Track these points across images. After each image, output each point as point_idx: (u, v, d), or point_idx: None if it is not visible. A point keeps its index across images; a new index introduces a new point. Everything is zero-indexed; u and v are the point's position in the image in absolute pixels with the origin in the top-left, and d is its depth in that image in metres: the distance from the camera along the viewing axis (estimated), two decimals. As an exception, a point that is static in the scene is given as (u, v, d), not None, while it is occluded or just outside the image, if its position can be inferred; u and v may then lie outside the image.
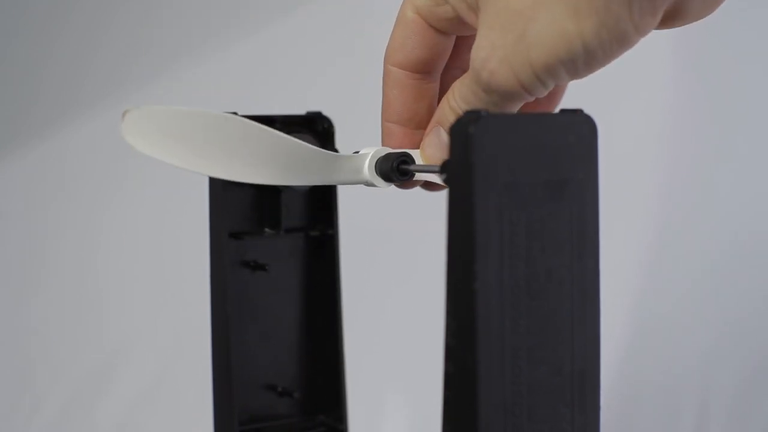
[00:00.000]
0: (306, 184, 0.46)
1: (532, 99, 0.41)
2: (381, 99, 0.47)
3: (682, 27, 0.42)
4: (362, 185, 0.47)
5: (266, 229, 0.53)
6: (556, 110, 0.47)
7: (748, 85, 1.16)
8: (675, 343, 1.11)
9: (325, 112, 0.53)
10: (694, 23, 0.42)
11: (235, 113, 0.48)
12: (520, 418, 0.38)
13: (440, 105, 0.45)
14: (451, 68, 0.47)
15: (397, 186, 0.47)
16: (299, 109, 0.53)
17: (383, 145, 0.47)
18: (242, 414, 0.53)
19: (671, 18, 0.40)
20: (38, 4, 1.07)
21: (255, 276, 0.53)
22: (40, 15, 1.07)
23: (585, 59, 0.39)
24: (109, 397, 1.03)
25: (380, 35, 0.49)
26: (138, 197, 1.07)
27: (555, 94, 0.47)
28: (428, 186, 0.47)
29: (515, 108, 0.42)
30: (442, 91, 0.46)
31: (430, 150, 0.45)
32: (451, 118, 0.43)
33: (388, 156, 0.46)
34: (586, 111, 0.40)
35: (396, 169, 0.45)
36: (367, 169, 0.46)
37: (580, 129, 0.39)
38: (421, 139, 0.46)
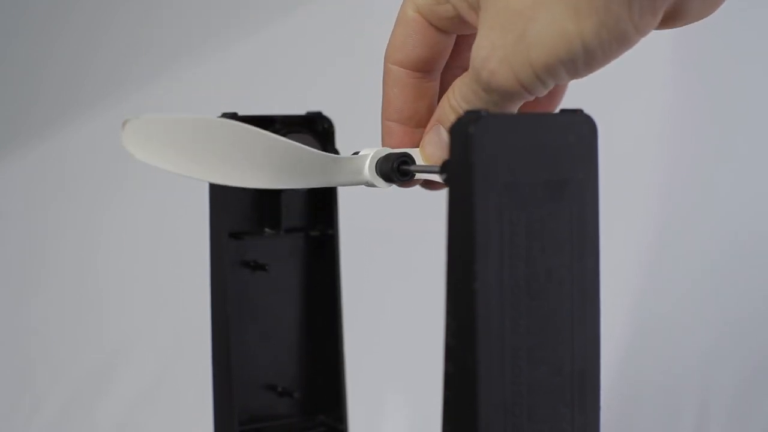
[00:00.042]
0: (306, 187, 0.46)
1: (532, 98, 0.42)
2: (381, 98, 0.47)
3: (682, 27, 0.42)
4: (362, 186, 0.47)
5: (266, 229, 0.53)
6: (557, 110, 0.47)
7: (748, 85, 1.16)
8: (675, 343, 1.11)
9: (325, 112, 0.53)
10: (694, 23, 0.42)
11: (235, 114, 0.48)
12: (520, 418, 0.38)
13: (440, 104, 0.45)
14: (452, 67, 0.47)
15: (398, 185, 0.47)
16: (299, 109, 0.53)
17: (383, 143, 0.47)
18: (242, 414, 0.53)
19: (671, 18, 0.40)
20: (38, 4, 1.07)
21: (255, 276, 0.53)
22: (40, 15, 1.07)
23: (585, 59, 0.39)
24: (109, 397, 1.03)
25: (380, 35, 0.49)
26: (138, 197, 1.07)
27: (555, 94, 0.47)
28: (428, 184, 0.47)
29: (515, 107, 0.42)
30: (443, 89, 0.46)
31: (430, 148, 0.45)
32: (451, 117, 0.43)
33: (388, 156, 0.46)
34: (586, 111, 0.40)
35: (396, 170, 0.45)
36: (368, 170, 0.46)
37: (580, 129, 0.39)
38: (421, 138, 0.46)
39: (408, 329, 1.04)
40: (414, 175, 0.46)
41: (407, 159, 0.46)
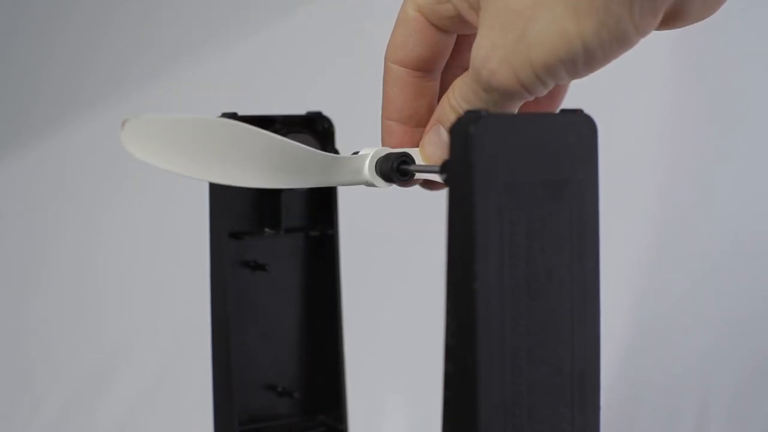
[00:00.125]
0: (306, 187, 0.46)
1: (532, 98, 0.42)
2: (381, 98, 0.47)
3: (683, 28, 0.42)
4: (362, 186, 0.47)
5: (266, 229, 0.53)
6: (557, 110, 0.47)
7: (748, 86, 1.16)
8: (675, 343, 1.11)
9: (325, 112, 0.53)
10: (695, 24, 0.42)
11: (235, 114, 0.48)
12: (520, 418, 0.38)
13: (440, 103, 0.45)
14: (452, 67, 0.47)
15: (398, 185, 0.47)
16: (299, 109, 0.53)
17: (383, 142, 0.47)
18: (242, 414, 0.53)
19: (672, 19, 0.40)
20: (38, 4, 1.07)
21: (255, 276, 0.53)
22: (40, 15, 1.07)
23: (585, 59, 0.39)
24: (109, 397, 1.03)
25: (380, 35, 0.49)
26: (138, 197, 1.07)
27: (556, 95, 0.47)
28: (428, 185, 0.47)
29: (515, 107, 0.42)
30: (443, 89, 0.46)
31: (430, 148, 0.45)
32: (451, 117, 0.43)
33: (388, 156, 0.46)
34: (586, 111, 0.40)
35: (396, 170, 0.45)
36: (367, 170, 0.46)
37: (580, 129, 0.39)
38: (421, 138, 0.46)
39: (408, 329, 1.04)
40: (414, 175, 0.46)
41: (407, 159, 0.46)
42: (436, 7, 0.44)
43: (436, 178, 0.46)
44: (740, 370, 1.12)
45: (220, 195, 0.51)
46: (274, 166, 0.43)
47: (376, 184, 0.46)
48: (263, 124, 0.49)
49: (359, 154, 0.46)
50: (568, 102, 0.46)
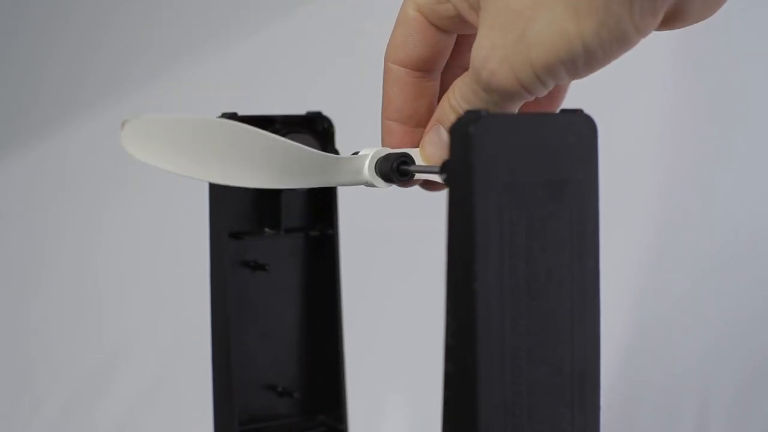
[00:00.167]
0: (306, 187, 0.46)
1: (532, 98, 0.41)
2: (381, 98, 0.47)
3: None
4: (362, 186, 0.47)
5: (266, 229, 0.53)
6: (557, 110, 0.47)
7: (748, 86, 1.16)
8: (675, 343, 1.11)
9: (325, 112, 0.53)
10: (695, 24, 0.42)
11: (234, 114, 0.48)
12: (520, 418, 0.38)
13: (440, 103, 0.45)
14: (452, 67, 0.47)
15: (397, 185, 0.47)
16: (299, 109, 0.53)
17: (383, 142, 0.47)
18: (242, 414, 0.53)
19: (672, 19, 0.40)
20: (38, 4, 1.07)
21: (255, 276, 0.53)
22: (40, 15, 1.07)
23: (585, 59, 0.39)
24: (109, 397, 1.03)
25: (380, 35, 0.49)
26: (138, 197, 1.07)
27: (556, 95, 0.47)
28: (428, 185, 0.47)
29: (515, 107, 0.42)
30: (443, 89, 0.46)
31: (430, 148, 0.45)
32: (451, 117, 0.43)
33: (387, 156, 0.46)
34: (586, 111, 0.40)
35: (396, 170, 0.45)
36: (367, 170, 0.46)
37: (580, 129, 0.39)
38: (421, 138, 0.46)
39: (408, 329, 1.04)
40: (413, 175, 0.46)
41: (407, 159, 0.46)
42: (436, 7, 0.44)
43: (436, 178, 0.46)
44: (740, 370, 1.12)
45: (220, 195, 0.51)
46: (274, 167, 0.43)
47: (375, 184, 0.46)
48: (263, 124, 0.49)
49: (359, 154, 0.46)
50: (568, 102, 0.46)
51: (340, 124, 0.54)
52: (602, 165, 0.40)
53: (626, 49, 0.39)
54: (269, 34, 1.09)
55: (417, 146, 0.46)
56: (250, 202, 0.52)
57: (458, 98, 0.43)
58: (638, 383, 1.08)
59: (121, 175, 1.06)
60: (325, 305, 0.54)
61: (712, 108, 1.15)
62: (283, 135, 0.49)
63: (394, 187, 0.47)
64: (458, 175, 0.37)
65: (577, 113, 0.39)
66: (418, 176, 0.46)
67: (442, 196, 0.40)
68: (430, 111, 0.46)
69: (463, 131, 0.37)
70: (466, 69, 0.43)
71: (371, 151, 0.46)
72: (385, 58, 0.46)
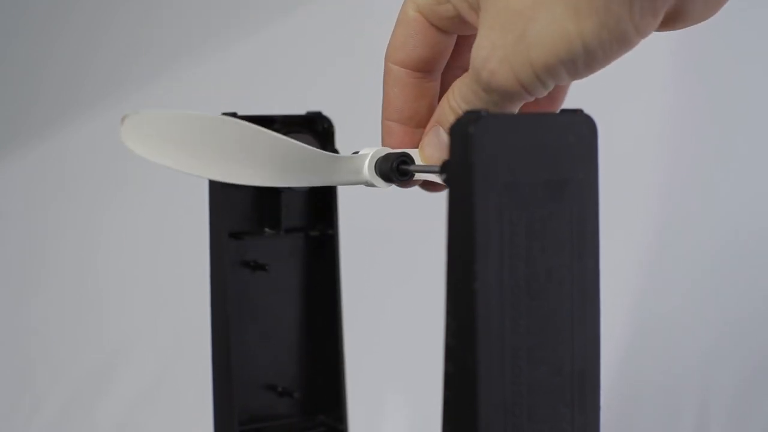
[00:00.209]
0: (306, 186, 0.46)
1: (532, 99, 0.41)
2: (381, 98, 0.47)
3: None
4: (362, 186, 0.47)
5: (266, 229, 0.53)
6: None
7: (748, 86, 1.16)
8: (675, 343, 1.11)
9: (325, 112, 0.53)
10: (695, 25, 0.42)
11: (234, 113, 0.48)
12: (520, 418, 0.38)
13: (440, 104, 0.45)
14: (453, 67, 0.47)
15: (397, 185, 0.47)
16: (299, 109, 0.53)
17: (383, 143, 0.47)
18: (242, 414, 0.53)
19: (672, 20, 0.40)
20: (38, 4, 1.07)
21: (255, 276, 0.53)
22: (40, 15, 1.07)
23: (585, 59, 0.39)
24: (109, 397, 1.03)
25: (380, 35, 0.49)
26: (138, 197, 1.07)
27: (557, 96, 0.47)
28: (427, 186, 0.47)
29: (515, 108, 0.42)
30: (443, 90, 0.46)
31: (430, 149, 0.45)
32: (450, 118, 0.43)
33: (387, 156, 0.46)
34: (586, 111, 0.40)
35: (396, 170, 0.45)
36: (367, 170, 0.46)
37: (580, 129, 0.39)
38: (421, 138, 0.46)
39: (408, 329, 1.04)
40: (413, 175, 0.46)
41: (406, 159, 0.46)
42: (436, 7, 0.44)
43: (435, 178, 0.46)
44: (740, 370, 1.12)
45: (220, 195, 0.51)
46: (274, 165, 0.43)
47: (375, 184, 0.46)
48: (263, 124, 0.49)
49: (359, 153, 0.46)
50: (568, 102, 0.46)
51: (340, 124, 0.54)
52: (602, 165, 0.40)
53: (626, 49, 0.39)
54: (269, 34, 1.09)
55: (417, 147, 0.46)
56: (250, 202, 0.52)
57: (458, 99, 0.43)
58: (638, 383, 1.08)
59: (121, 175, 1.06)
60: (325, 305, 0.54)
61: (712, 108, 1.15)
62: (283, 135, 0.49)
63: (394, 187, 0.47)
64: (458, 175, 0.37)
65: (577, 113, 0.39)
66: (418, 176, 0.46)
67: (442, 196, 0.40)
68: (430, 111, 0.46)
69: (463, 131, 0.37)
70: (466, 69, 0.43)
71: (371, 150, 0.46)
72: (385, 59, 0.46)
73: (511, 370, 0.38)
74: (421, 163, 0.46)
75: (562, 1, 0.38)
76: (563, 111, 0.40)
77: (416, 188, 0.48)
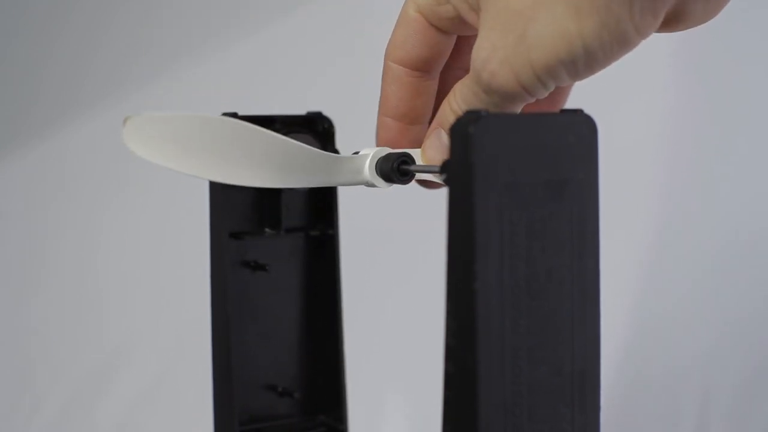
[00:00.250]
0: (306, 186, 0.46)
1: (532, 100, 0.41)
2: (381, 99, 0.47)
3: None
4: (362, 186, 0.47)
5: (266, 229, 0.53)
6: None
7: (749, 86, 1.16)
8: (675, 343, 1.11)
9: (325, 112, 0.53)
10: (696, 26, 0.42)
11: (235, 114, 0.48)
12: (520, 418, 0.38)
13: (441, 106, 0.45)
14: (453, 68, 0.47)
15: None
16: (299, 109, 0.53)
17: (377, 137, 0.47)
18: (242, 414, 0.53)
19: (673, 21, 0.40)
20: (38, 4, 1.07)
21: (255, 276, 0.53)
22: (40, 15, 1.07)
23: (585, 60, 0.39)
24: (109, 397, 1.03)
25: (380, 35, 0.49)
26: (138, 197, 1.07)
27: (558, 98, 0.47)
28: (425, 183, 0.47)
29: (516, 109, 0.42)
30: (444, 91, 0.46)
31: (431, 152, 0.46)
32: (452, 120, 0.43)
33: (388, 156, 0.46)
34: (586, 111, 0.40)
35: (396, 170, 0.46)
36: (368, 170, 0.46)
37: (580, 129, 0.39)
38: (416, 135, 0.47)
39: (408, 329, 1.04)
40: (414, 176, 0.46)
41: (407, 159, 0.46)
42: (437, 8, 0.44)
43: (436, 178, 0.46)
44: (740, 370, 1.12)
45: (220, 195, 0.51)
46: (275, 166, 0.43)
47: (376, 184, 0.46)
48: (263, 124, 0.49)
49: (359, 154, 0.46)
50: (568, 102, 0.47)
51: (340, 124, 0.54)
52: (602, 165, 0.40)
53: (626, 50, 0.39)
54: (269, 34, 1.09)
55: (411, 143, 0.47)
56: (250, 202, 0.52)
57: (459, 101, 0.43)
58: (638, 383, 1.08)
59: (121, 175, 1.06)
60: (325, 305, 0.54)
61: (712, 108, 1.15)
62: (283, 135, 0.49)
63: (394, 186, 0.47)
64: (458, 175, 0.37)
65: (577, 113, 0.39)
66: (418, 176, 0.46)
67: (442, 196, 0.40)
68: (427, 109, 0.47)
69: (463, 131, 0.37)
70: (467, 70, 0.43)
71: (371, 150, 0.46)
72: (385, 57, 0.46)
73: (511, 370, 0.38)
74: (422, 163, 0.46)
75: (562, 1, 0.38)
76: (563, 111, 0.40)
77: (416, 188, 0.48)
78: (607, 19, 0.38)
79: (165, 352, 1.05)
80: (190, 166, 0.41)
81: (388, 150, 0.46)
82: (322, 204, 0.54)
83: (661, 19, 0.39)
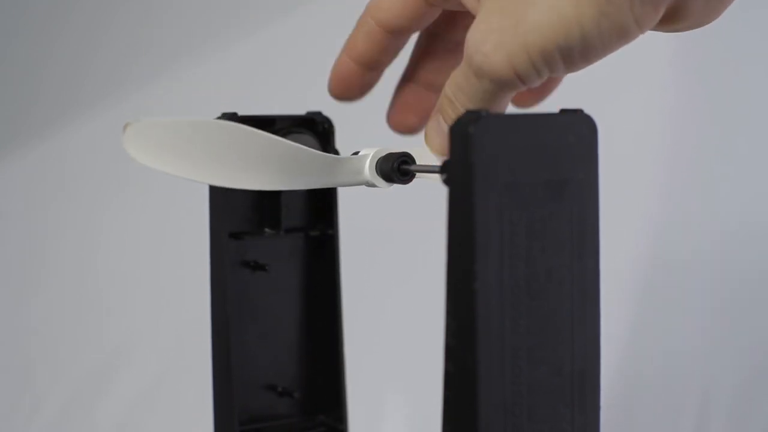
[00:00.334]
0: (307, 188, 0.46)
1: (524, 88, 0.41)
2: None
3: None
4: (363, 186, 0.47)
5: (266, 229, 0.53)
6: (546, 102, 0.47)
7: (749, 86, 1.16)
8: (675, 343, 1.11)
9: (325, 112, 0.53)
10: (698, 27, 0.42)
11: (235, 114, 0.48)
12: (520, 418, 0.38)
13: (441, 94, 0.45)
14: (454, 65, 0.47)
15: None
16: (299, 109, 0.53)
17: (332, 74, 0.50)
18: (242, 414, 0.53)
19: (674, 17, 0.40)
20: (38, 4, 1.07)
21: (255, 276, 0.53)
22: (40, 15, 1.07)
23: (582, 48, 0.38)
24: (109, 397, 1.03)
25: (380, 35, 0.49)
26: (138, 198, 1.07)
27: (545, 92, 0.47)
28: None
29: (507, 97, 0.41)
30: (441, 80, 0.46)
31: (432, 134, 0.45)
32: (446, 107, 0.43)
33: (388, 156, 0.46)
34: (586, 111, 0.40)
35: (397, 170, 0.46)
36: (368, 170, 0.46)
37: (580, 129, 0.39)
38: (369, 80, 0.49)
39: (408, 329, 1.04)
40: (414, 175, 0.46)
41: (407, 159, 0.46)
42: None
43: (436, 178, 0.46)
44: (740, 370, 1.12)
45: (220, 195, 0.51)
46: (275, 168, 0.43)
47: (376, 184, 0.46)
48: (263, 124, 0.49)
49: (359, 154, 0.46)
50: (569, 102, 0.46)
51: (340, 124, 0.54)
52: (602, 165, 0.40)
53: (624, 42, 0.39)
54: (269, 34, 1.09)
55: (362, 87, 0.49)
56: (250, 202, 0.53)
57: (453, 87, 0.42)
58: (638, 383, 1.08)
59: (121, 176, 1.06)
60: (325, 305, 0.54)
61: (712, 108, 1.15)
62: (283, 135, 0.49)
63: (394, 186, 0.47)
64: (458, 175, 0.37)
65: (577, 113, 0.39)
66: (419, 176, 0.46)
67: (442, 196, 0.40)
68: (388, 61, 0.49)
69: (462, 131, 0.37)
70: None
71: (371, 151, 0.46)
72: (365, 10, 0.48)
73: (511, 370, 0.38)
74: (425, 152, 0.45)
75: None
76: (563, 111, 0.40)
77: (416, 188, 0.48)
78: (607, 8, 0.38)
79: (165, 352, 1.05)
80: (191, 171, 0.41)
81: (388, 150, 0.46)
82: (321, 204, 0.54)
83: (661, 12, 0.39)
